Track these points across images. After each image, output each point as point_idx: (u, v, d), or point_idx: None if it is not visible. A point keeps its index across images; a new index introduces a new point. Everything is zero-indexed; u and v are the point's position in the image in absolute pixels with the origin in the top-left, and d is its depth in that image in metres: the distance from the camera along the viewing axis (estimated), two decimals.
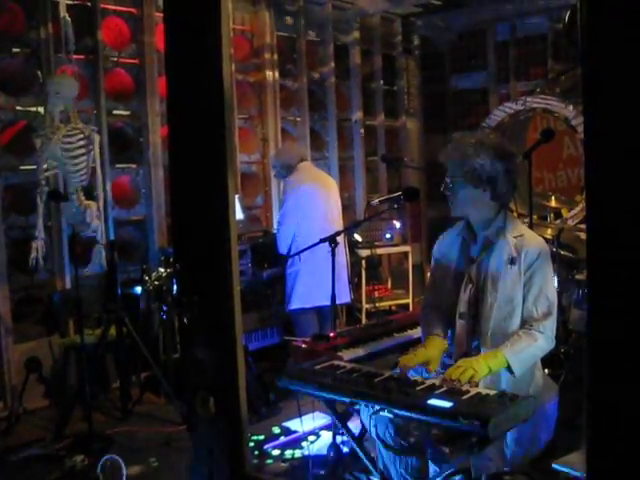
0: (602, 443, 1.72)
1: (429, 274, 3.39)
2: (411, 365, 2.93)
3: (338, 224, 5.54)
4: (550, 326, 2.94)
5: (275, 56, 7.06)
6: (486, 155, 2.97)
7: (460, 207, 3.06)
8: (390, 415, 2.74)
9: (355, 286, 6.91)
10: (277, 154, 5.92)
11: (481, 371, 2.76)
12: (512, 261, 2.96)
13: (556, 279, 4.68)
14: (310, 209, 5.41)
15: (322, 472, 3.84)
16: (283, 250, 5.50)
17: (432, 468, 2.94)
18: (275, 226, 6.14)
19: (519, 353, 2.87)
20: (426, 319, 3.24)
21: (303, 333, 5.13)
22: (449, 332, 3.15)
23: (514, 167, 3.07)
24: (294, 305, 5.50)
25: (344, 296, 5.35)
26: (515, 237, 3.02)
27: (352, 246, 6.61)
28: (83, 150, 5.02)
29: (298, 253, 4.98)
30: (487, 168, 2.96)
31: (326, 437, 4.28)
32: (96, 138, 5.09)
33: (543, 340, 2.92)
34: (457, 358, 3.05)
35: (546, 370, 3.53)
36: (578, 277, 5.05)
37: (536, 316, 2.94)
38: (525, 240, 3.01)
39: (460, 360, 2.84)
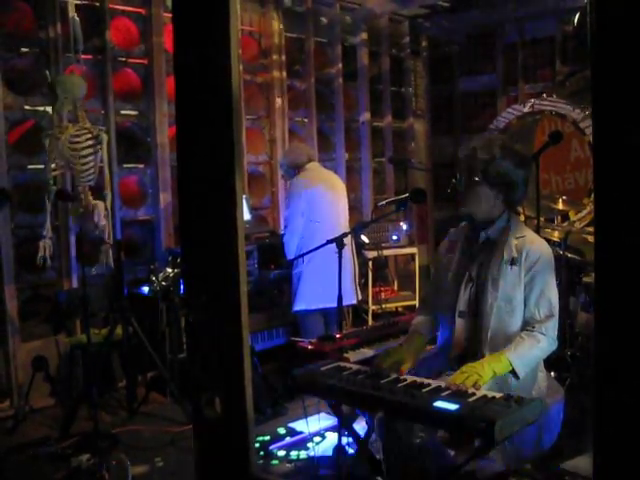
0: (609, 447, 1.71)
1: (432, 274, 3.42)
2: (384, 365, 2.94)
3: (345, 226, 5.53)
4: (552, 327, 2.95)
5: (283, 57, 7.06)
6: (511, 160, 3.01)
7: (470, 204, 3.07)
8: (396, 417, 2.74)
9: (362, 287, 6.91)
10: (285, 154, 5.91)
11: (486, 376, 2.76)
12: (513, 261, 2.98)
13: (563, 282, 4.69)
14: (317, 211, 5.39)
15: (327, 473, 3.84)
16: (291, 255, 5.47)
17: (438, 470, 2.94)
18: (282, 228, 6.14)
19: (523, 355, 2.87)
20: (415, 317, 3.33)
21: (309, 335, 5.12)
22: (442, 330, 3.17)
23: (531, 175, 3.12)
24: (298, 306, 5.49)
25: (350, 297, 5.35)
26: (517, 238, 3.03)
27: (359, 247, 6.61)
28: (91, 150, 5.03)
29: (305, 254, 4.98)
30: (510, 173, 3.00)
31: (331, 438, 4.28)
32: (104, 138, 5.10)
33: (545, 342, 2.93)
34: (455, 357, 3.07)
35: (552, 373, 3.53)
36: (585, 280, 5.04)
37: (538, 318, 2.96)
38: (527, 241, 3.02)
39: (464, 366, 2.83)
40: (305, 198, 5.39)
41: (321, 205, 5.42)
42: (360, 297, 5.79)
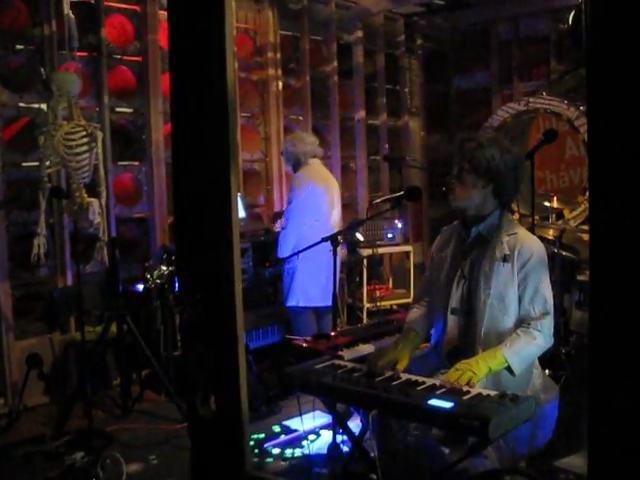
0: (604, 445, 1.72)
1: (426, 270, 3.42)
2: (378, 364, 2.94)
3: (338, 226, 5.52)
4: (548, 324, 2.96)
5: (278, 55, 7.06)
6: (498, 149, 3.01)
7: (458, 194, 3.07)
8: (390, 415, 2.74)
9: (357, 285, 6.92)
10: (293, 142, 5.63)
11: (480, 372, 2.76)
12: (505, 259, 2.99)
13: (557, 280, 4.70)
14: (316, 208, 5.36)
15: (322, 471, 3.84)
16: (283, 254, 5.35)
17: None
18: (282, 223, 6.08)
19: (518, 352, 2.87)
20: (409, 313, 3.33)
21: (300, 332, 5.11)
22: (435, 328, 3.18)
23: (520, 167, 3.12)
24: (290, 302, 5.47)
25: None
26: (509, 235, 3.04)
27: (354, 245, 6.61)
28: (86, 147, 5.02)
29: (299, 252, 4.96)
30: (496, 161, 3.00)
31: (326, 436, 4.28)
32: (99, 135, 5.08)
33: (542, 339, 2.93)
34: (448, 353, 3.07)
35: (547, 371, 3.53)
36: (580, 278, 5.05)
37: (533, 315, 2.96)
38: (519, 239, 3.02)
39: (459, 363, 2.83)
40: (307, 193, 5.35)
41: (319, 203, 5.40)
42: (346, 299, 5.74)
